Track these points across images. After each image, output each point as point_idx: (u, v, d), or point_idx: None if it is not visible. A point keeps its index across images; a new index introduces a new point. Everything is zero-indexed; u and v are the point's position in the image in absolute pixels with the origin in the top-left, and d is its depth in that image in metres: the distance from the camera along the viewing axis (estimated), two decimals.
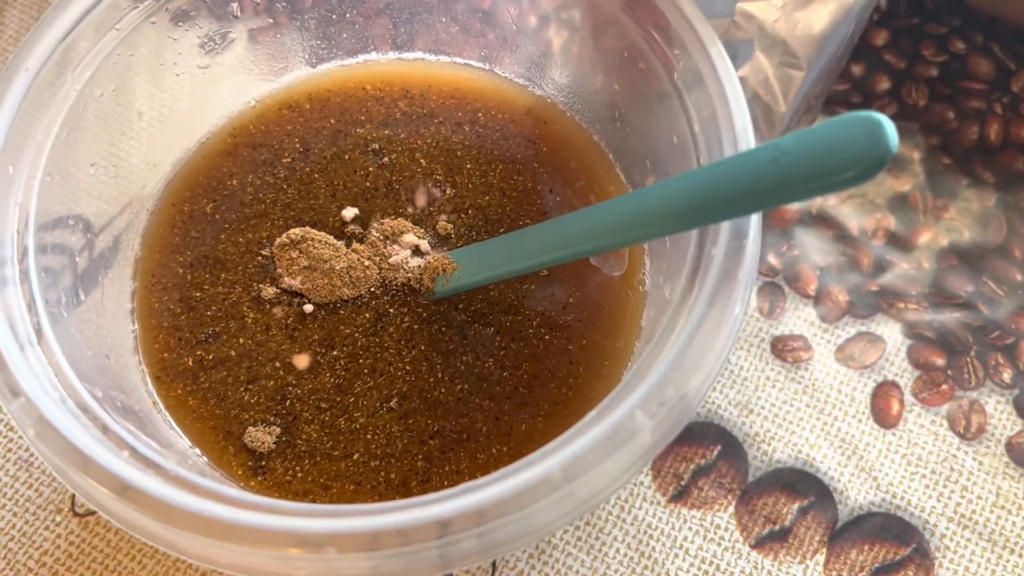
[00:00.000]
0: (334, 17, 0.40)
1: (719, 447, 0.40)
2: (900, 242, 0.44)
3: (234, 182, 0.38)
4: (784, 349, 0.42)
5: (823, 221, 0.45)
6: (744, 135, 0.30)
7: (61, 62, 0.32)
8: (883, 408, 0.41)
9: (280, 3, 0.40)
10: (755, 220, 0.28)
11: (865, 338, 0.42)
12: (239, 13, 0.38)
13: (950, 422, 0.40)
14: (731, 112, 0.30)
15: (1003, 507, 0.39)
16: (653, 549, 0.38)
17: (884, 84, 0.48)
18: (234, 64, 0.40)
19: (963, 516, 0.39)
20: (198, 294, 0.36)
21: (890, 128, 0.24)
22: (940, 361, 0.41)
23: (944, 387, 0.41)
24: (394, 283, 0.35)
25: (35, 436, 0.25)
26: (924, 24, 0.49)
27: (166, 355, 0.35)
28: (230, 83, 0.39)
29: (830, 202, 0.45)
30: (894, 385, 0.41)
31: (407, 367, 0.35)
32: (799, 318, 0.43)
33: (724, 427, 0.40)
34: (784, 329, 0.42)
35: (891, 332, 0.42)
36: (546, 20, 0.39)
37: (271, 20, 0.40)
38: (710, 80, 0.31)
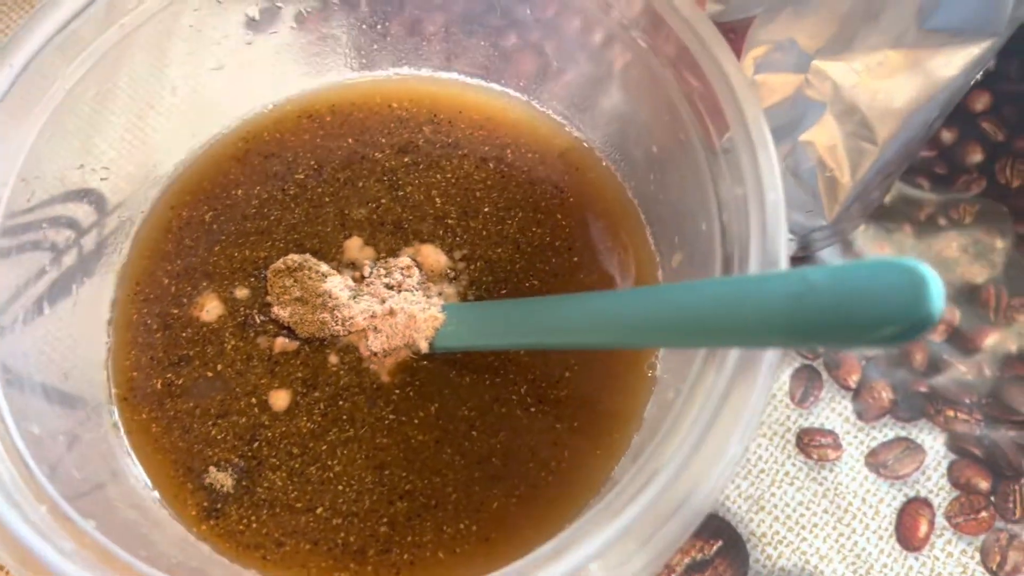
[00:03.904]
0: (376, 27, 0.37)
1: (720, 542, 0.37)
2: (962, 341, 0.40)
3: (239, 192, 0.36)
4: (810, 444, 0.38)
5: None
6: (774, 239, 0.26)
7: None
8: (909, 527, 0.37)
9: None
10: None
11: (903, 444, 0.38)
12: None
13: (983, 555, 0.36)
14: (764, 200, 0.26)
15: None
16: None
17: (976, 156, 0.43)
18: (271, 56, 0.37)
19: None
20: (176, 311, 0.34)
21: (936, 288, 0.20)
22: (984, 484, 0.37)
23: (983, 514, 0.37)
24: (386, 327, 0.33)
25: None
26: None
27: (135, 374, 0.33)
28: (248, 82, 0.37)
29: None
30: (926, 503, 0.37)
31: (388, 416, 0.32)
32: (833, 411, 0.39)
33: (729, 521, 0.37)
34: (814, 421, 0.39)
35: (933, 442, 0.38)
36: (592, 58, 0.35)
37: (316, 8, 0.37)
38: (745, 157, 0.27)
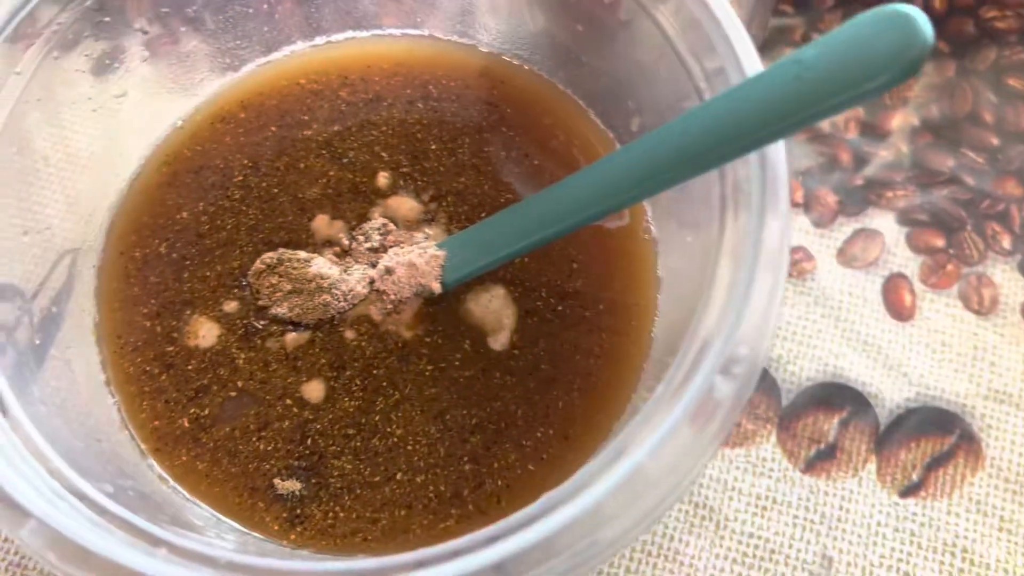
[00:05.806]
0: (251, 11, 0.36)
1: None
2: (873, 130, 0.43)
3: (184, 214, 0.34)
4: None
5: None
6: (735, 32, 0.27)
7: None
8: (896, 301, 0.40)
9: (166, 9, 0.35)
10: None
11: (862, 235, 0.41)
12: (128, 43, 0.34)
13: (963, 301, 0.40)
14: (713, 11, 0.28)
15: None
16: (706, 497, 0.37)
17: None
18: (141, 86, 0.35)
19: (997, 392, 0.38)
20: (171, 348, 0.32)
21: (923, 21, 0.22)
22: (940, 242, 0.41)
23: (949, 267, 0.40)
24: (389, 285, 0.32)
25: (58, 560, 0.22)
26: None
27: (157, 423, 0.31)
28: (146, 108, 0.35)
29: None
30: (901, 276, 0.40)
31: (427, 368, 0.32)
32: (793, 228, 0.41)
33: None
34: None
35: (886, 223, 0.41)
36: None
37: (164, 29, 0.35)
38: None
